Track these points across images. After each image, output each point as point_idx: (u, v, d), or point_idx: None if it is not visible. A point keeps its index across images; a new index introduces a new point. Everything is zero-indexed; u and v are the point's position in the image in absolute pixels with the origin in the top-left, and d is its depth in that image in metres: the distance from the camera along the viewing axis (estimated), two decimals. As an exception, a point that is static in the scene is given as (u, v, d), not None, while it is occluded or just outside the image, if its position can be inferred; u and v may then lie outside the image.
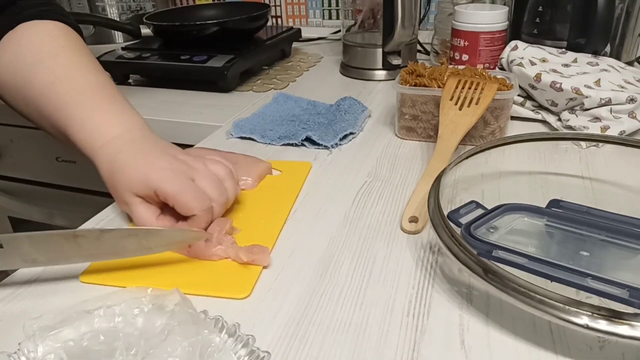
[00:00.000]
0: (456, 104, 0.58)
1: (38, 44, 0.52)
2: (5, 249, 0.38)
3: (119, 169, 0.45)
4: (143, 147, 0.47)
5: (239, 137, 0.67)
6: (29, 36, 0.52)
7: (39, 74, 0.50)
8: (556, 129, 0.64)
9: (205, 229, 0.44)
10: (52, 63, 0.51)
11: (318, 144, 0.63)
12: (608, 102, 0.60)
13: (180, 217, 0.44)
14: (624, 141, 0.51)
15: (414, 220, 0.46)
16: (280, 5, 1.27)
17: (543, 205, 0.43)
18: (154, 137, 0.49)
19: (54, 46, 0.52)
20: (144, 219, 0.44)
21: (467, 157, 0.48)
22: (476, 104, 0.57)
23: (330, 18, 1.24)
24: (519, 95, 0.69)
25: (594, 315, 0.30)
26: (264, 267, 0.41)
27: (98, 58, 0.92)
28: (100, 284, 0.40)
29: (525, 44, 0.70)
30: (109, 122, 0.48)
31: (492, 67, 0.77)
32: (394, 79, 0.70)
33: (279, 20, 1.28)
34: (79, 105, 0.48)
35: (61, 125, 0.49)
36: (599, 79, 0.62)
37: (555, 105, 0.65)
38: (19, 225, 1.05)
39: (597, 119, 0.61)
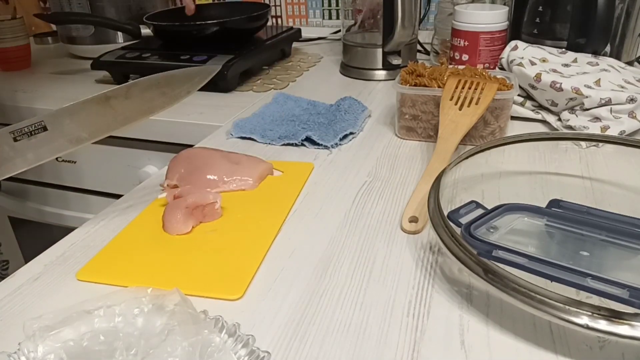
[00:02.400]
0: (456, 104, 0.58)
1: None
2: (50, 132, 0.38)
3: None
4: None
5: (239, 137, 0.67)
6: None
7: None
8: (556, 129, 0.64)
9: None
10: None
11: (318, 144, 0.63)
12: (608, 102, 0.60)
13: None
14: (624, 141, 0.51)
15: (414, 220, 0.46)
16: (280, 5, 1.26)
17: (543, 205, 0.43)
18: None
19: None
20: None
21: (467, 157, 0.48)
22: (476, 104, 0.57)
23: (330, 18, 1.24)
24: (519, 95, 0.69)
25: (594, 315, 0.30)
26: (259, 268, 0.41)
27: (98, 58, 0.93)
28: (99, 282, 0.40)
29: (525, 44, 0.70)
30: None
31: (492, 67, 0.77)
32: (394, 79, 0.70)
33: (279, 20, 1.28)
34: None
35: None
36: (599, 79, 0.62)
37: (555, 105, 0.64)
38: (19, 225, 1.05)
39: (597, 119, 0.61)
